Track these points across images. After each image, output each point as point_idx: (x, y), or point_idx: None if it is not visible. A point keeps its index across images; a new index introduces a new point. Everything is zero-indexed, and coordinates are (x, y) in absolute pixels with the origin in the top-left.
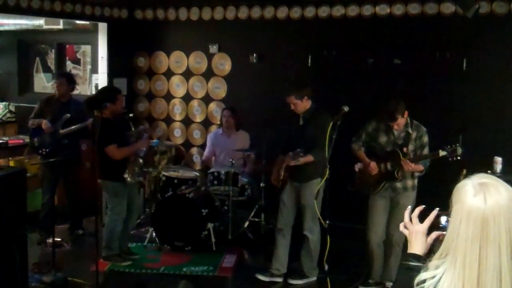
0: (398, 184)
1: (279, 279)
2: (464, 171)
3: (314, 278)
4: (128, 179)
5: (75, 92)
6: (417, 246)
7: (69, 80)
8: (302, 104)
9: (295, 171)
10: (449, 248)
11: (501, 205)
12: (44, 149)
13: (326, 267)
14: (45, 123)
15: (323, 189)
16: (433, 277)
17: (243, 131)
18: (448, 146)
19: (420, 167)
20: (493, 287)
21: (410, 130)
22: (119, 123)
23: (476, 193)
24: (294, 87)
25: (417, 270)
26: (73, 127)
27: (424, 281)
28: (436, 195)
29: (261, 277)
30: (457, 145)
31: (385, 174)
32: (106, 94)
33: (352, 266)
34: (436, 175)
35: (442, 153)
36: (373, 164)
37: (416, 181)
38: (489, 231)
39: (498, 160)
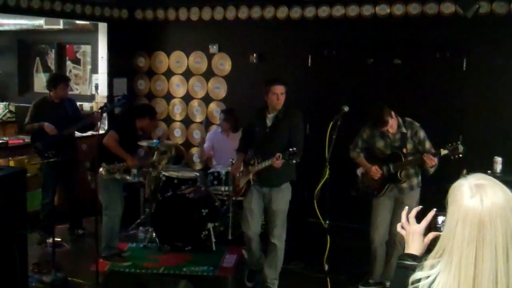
0: (404, 184)
1: None
2: (465, 171)
3: None
4: (103, 172)
5: (75, 92)
6: (414, 247)
7: (70, 81)
8: (284, 99)
9: (265, 175)
10: (444, 248)
11: (498, 207)
12: (50, 152)
13: (326, 267)
14: (47, 126)
15: (289, 196)
16: (428, 276)
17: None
18: (449, 145)
19: (435, 159)
20: None
21: (404, 130)
22: (136, 134)
23: (473, 195)
24: (277, 78)
25: (412, 269)
26: (74, 126)
27: (419, 280)
28: (436, 195)
29: (249, 284)
30: (458, 143)
31: (388, 177)
32: (149, 110)
33: (352, 266)
34: (436, 175)
35: (443, 151)
36: (375, 168)
37: (420, 178)
38: (485, 233)
39: (498, 160)
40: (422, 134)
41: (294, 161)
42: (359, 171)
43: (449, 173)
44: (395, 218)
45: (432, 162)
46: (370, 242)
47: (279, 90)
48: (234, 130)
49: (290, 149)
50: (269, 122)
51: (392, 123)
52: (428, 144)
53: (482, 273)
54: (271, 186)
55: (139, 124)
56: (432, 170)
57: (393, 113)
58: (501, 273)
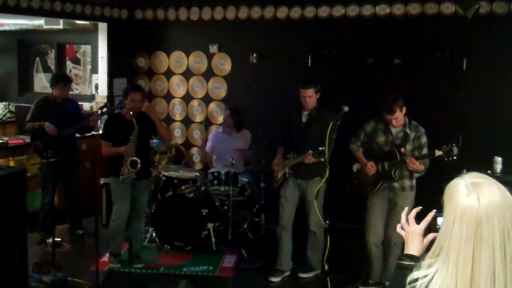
0: (396, 184)
1: (288, 273)
2: (464, 171)
3: (319, 270)
4: (120, 177)
5: (75, 92)
6: (413, 247)
7: (70, 82)
8: (315, 99)
9: (301, 168)
10: (441, 247)
11: (495, 205)
12: (49, 151)
13: (326, 267)
14: (48, 126)
15: (324, 189)
16: (425, 276)
17: (246, 130)
18: (444, 146)
19: (421, 166)
20: (487, 287)
21: (408, 131)
22: (126, 122)
23: (469, 193)
24: (306, 79)
25: (410, 269)
26: (74, 126)
27: (416, 280)
28: (435, 196)
29: (274, 279)
30: (453, 144)
31: (382, 174)
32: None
33: (352, 266)
34: (436, 175)
35: (438, 152)
36: (370, 164)
37: (414, 182)
38: (483, 231)
39: (498, 160)
40: (424, 139)
41: (323, 159)
42: (355, 167)
43: (449, 174)
44: (389, 220)
45: (413, 165)
46: (365, 242)
47: (307, 93)
48: (238, 129)
49: (320, 148)
50: (304, 119)
51: (398, 117)
52: (425, 150)
53: (480, 271)
54: (305, 179)
55: (128, 106)
56: (416, 174)
57: (404, 108)
58: (499, 270)
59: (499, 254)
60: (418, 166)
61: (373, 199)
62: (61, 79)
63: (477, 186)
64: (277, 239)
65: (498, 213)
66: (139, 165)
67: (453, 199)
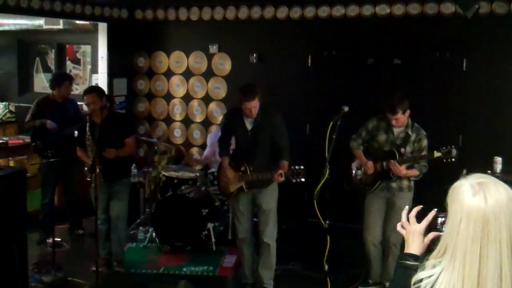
0: (393, 184)
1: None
2: (464, 171)
3: None
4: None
5: (75, 92)
6: (414, 246)
7: (73, 80)
8: (257, 109)
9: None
10: (446, 247)
11: (502, 203)
12: (50, 151)
13: (326, 267)
14: (50, 123)
15: (277, 197)
16: (430, 276)
17: None
18: (443, 148)
19: (414, 172)
20: (494, 286)
21: (409, 132)
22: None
23: (475, 193)
24: (248, 89)
25: (414, 269)
26: (75, 126)
27: (421, 280)
28: (435, 195)
29: None
30: (452, 146)
31: (380, 174)
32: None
33: (352, 266)
34: (436, 175)
35: (436, 154)
36: (370, 164)
37: (412, 183)
38: (490, 229)
39: (498, 160)
40: (424, 143)
41: (299, 180)
42: (354, 165)
43: (449, 174)
44: (387, 220)
45: (396, 170)
46: (363, 242)
47: (251, 105)
48: None
49: (297, 167)
50: (249, 125)
51: (400, 118)
52: (423, 153)
53: (487, 269)
54: (258, 187)
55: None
56: (413, 178)
57: (408, 111)
58: (506, 268)
59: (506, 252)
60: (407, 172)
61: (371, 199)
62: (67, 78)
63: (483, 185)
64: (238, 253)
65: (504, 211)
66: (97, 171)
67: (459, 199)
